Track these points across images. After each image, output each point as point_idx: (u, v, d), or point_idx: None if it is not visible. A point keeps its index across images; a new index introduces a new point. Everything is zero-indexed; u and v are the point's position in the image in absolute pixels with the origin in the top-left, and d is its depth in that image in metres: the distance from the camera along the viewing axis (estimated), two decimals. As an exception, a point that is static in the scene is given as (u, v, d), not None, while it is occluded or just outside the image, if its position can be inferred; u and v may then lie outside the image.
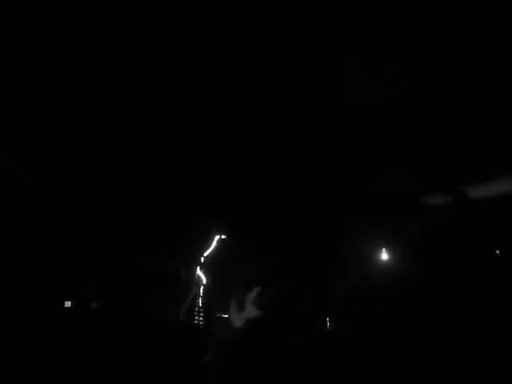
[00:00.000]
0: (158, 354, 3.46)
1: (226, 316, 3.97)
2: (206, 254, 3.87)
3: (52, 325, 3.21)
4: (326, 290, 3.88)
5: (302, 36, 3.02)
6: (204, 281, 3.80)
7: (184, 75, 3.32)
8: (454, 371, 3.10)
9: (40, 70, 3.22)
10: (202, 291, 3.77)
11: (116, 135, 3.50)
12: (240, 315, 3.98)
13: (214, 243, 3.87)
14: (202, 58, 3.18)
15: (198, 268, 3.82)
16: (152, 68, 3.34)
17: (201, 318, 3.77)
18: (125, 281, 3.67)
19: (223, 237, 3.92)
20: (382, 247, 3.94)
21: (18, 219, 3.58)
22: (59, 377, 3.10)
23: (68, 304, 3.32)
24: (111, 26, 2.93)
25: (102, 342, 3.30)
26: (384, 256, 3.93)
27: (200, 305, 3.74)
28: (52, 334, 3.18)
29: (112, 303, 3.55)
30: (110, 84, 3.29)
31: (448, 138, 3.89)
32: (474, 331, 3.34)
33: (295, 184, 4.08)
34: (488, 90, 3.52)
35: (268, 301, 3.87)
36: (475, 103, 3.79)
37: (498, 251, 3.67)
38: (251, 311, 3.94)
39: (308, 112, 3.85)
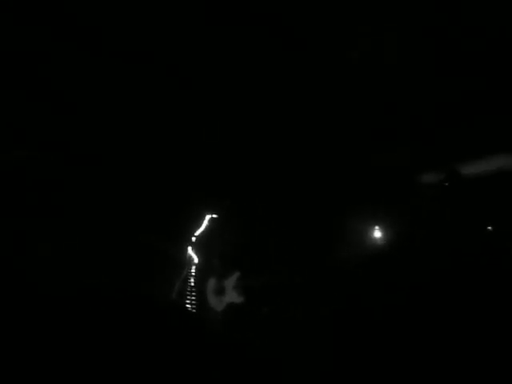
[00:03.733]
0: (150, 336, 3.36)
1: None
2: (196, 234, 3.75)
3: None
4: (318, 269, 3.84)
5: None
6: (196, 261, 3.70)
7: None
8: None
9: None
10: (193, 272, 3.67)
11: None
12: (220, 299, 3.92)
13: (205, 222, 3.76)
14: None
15: (190, 248, 3.71)
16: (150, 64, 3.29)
17: (193, 299, 3.68)
18: (113, 262, 3.53)
19: (214, 216, 3.81)
20: (375, 226, 3.91)
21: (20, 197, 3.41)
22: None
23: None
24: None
25: (97, 325, 3.17)
26: (377, 234, 3.90)
27: (192, 285, 3.64)
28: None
29: (102, 285, 3.40)
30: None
31: (440, 115, 3.90)
32: (466, 307, 3.37)
33: (289, 166, 4.01)
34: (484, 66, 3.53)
35: (250, 286, 3.82)
36: (467, 79, 3.79)
37: (489, 227, 3.71)
38: (232, 296, 3.88)
39: (306, 94, 3.82)
